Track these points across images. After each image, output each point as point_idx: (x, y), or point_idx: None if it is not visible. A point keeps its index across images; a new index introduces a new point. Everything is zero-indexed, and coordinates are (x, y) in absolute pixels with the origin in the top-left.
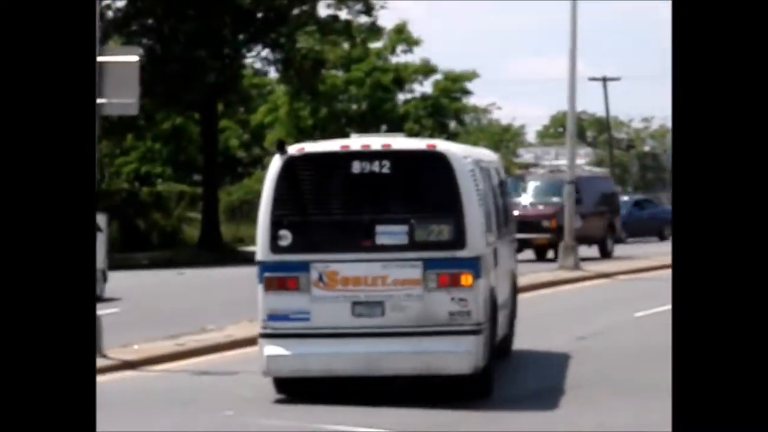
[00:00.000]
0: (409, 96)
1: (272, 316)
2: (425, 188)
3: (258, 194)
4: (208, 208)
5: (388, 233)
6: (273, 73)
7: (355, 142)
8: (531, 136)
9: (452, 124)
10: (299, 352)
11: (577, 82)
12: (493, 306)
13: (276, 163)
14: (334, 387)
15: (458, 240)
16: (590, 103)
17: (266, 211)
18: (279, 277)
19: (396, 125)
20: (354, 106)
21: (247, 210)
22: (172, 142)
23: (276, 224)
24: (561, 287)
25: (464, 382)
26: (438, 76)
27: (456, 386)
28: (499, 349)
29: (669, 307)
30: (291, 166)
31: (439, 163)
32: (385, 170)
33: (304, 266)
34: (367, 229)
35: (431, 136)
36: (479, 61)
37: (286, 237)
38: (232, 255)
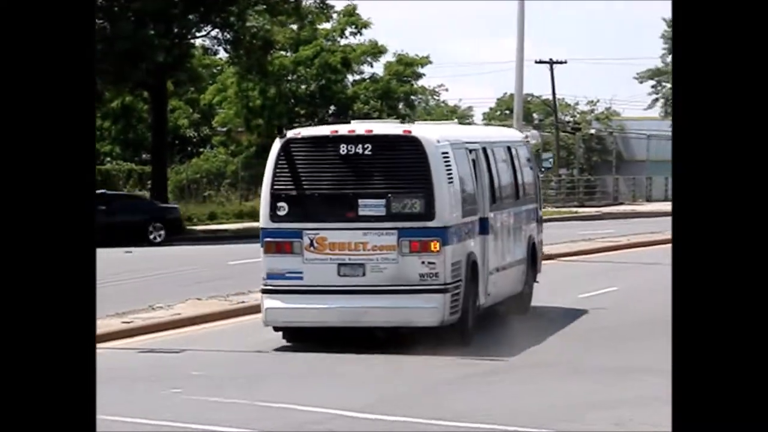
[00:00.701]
0: (358, 78)
1: (270, 275)
2: (401, 167)
3: (206, 173)
4: (157, 186)
5: (369, 206)
6: (223, 53)
7: (344, 127)
8: (478, 118)
9: (400, 106)
10: (293, 306)
11: (524, 64)
12: (472, 269)
13: (276, 144)
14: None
15: (428, 212)
16: (537, 86)
17: (267, 185)
18: (277, 242)
19: (345, 106)
20: (303, 87)
21: (195, 189)
22: (121, 120)
23: (275, 197)
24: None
25: (438, 334)
26: (388, 57)
27: (433, 338)
28: (511, 306)
29: (611, 289)
30: (288, 147)
31: (413, 145)
32: (368, 152)
33: (298, 233)
34: (351, 202)
35: (379, 117)
36: (426, 42)
37: (283, 208)
38: (181, 234)
